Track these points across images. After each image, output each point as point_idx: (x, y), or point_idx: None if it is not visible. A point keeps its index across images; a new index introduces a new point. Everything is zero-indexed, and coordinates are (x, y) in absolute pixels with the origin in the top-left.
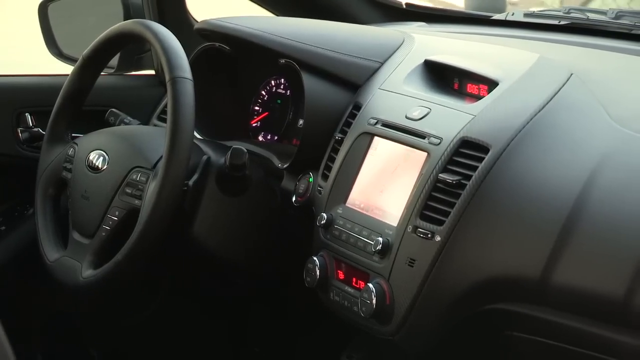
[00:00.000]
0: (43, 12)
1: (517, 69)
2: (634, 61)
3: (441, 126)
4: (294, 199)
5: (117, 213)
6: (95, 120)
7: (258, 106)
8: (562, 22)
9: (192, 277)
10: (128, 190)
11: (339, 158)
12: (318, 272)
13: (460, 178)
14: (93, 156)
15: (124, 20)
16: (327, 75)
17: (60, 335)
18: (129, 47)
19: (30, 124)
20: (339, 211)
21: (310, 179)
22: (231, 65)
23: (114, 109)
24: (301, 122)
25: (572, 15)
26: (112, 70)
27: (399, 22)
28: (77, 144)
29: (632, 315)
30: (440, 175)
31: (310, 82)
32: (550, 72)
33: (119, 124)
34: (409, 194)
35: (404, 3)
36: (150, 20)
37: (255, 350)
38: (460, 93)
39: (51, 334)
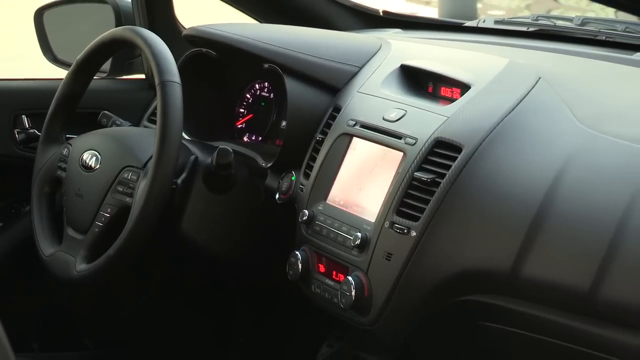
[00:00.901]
0: (38, 19)
1: (488, 73)
2: (598, 65)
3: (416, 127)
4: (277, 196)
5: (109, 210)
6: (88, 121)
7: (243, 108)
8: (531, 29)
9: (181, 271)
10: (120, 189)
11: (320, 157)
12: (300, 266)
13: (434, 176)
14: (86, 156)
15: (116, 27)
16: (308, 79)
17: (56, 326)
18: (120, 53)
19: (27, 126)
20: (320, 208)
21: (293, 178)
22: (217, 70)
23: (106, 111)
24: (284, 123)
25: (540, 22)
26: (105, 75)
27: (376, 28)
28: (71, 145)
29: (597, 306)
30: (415, 173)
31: (292, 86)
32: (519, 76)
33: (111, 126)
34: (386, 191)
35: (381, 10)
36: (141, 27)
37: (241, 339)
38: (435, 96)
39: (47, 325)
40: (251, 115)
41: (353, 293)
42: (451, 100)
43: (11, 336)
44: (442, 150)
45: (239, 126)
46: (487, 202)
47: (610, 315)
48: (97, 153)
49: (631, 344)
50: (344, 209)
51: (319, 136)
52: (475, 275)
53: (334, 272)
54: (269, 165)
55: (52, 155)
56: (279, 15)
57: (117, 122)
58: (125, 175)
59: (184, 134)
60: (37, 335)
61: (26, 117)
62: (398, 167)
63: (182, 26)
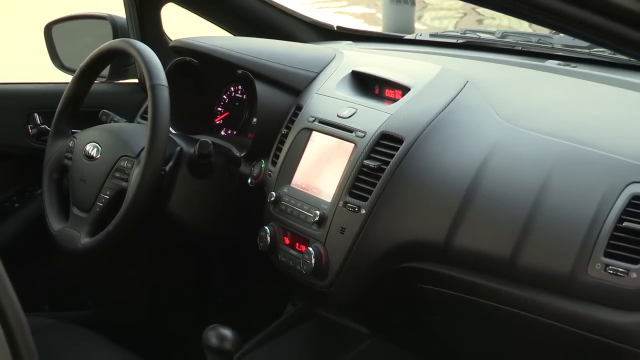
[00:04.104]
0: (48, 32)
1: (424, 78)
2: (516, 71)
3: (365, 123)
4: (249, 180)
5: (108, 193)
6: (90, 118)
7: (220, 107)
8: (460, 41)
9: (168, 244)
10: (117, 175)
11: (285, 148)
12: (269, 239)
13: (380, 164)
14: (89, 147)
15: (113, 39)
16: (275, 82)
17: (63, 290)
18: (117, 61)
19: (39, 122)
20: (285, 190)
21: (262, 165)
22: (199, 75)
23: (105, 110)
24: (255, 120)
25: (467, 35)
26: (104, 79)
27: (331, 40)
28: (76, 138)
29: (516, 271)
30: (364, 161)
31: (261, 88)
32: (450, 80)
33: (109, 122)
34: (340, 176)
35: (335, 26)
36: (134, 39)
37: (220, 300)
38: (380, 97)
39: (55, 289)
40: (227, 113)
41: (313, 261)
42: (394, 100)
43: (24, 299)
44: (386, 142)
45: (217, 122)
46: (424, 185)
47: (527, 278)
48: (97, 145)
49: (541, 302)
50: (305, 191)
51: (284, 130)
52: (414, 246)
53: (297, 244)
54: (242, 154)
55: (60, 147)
56: (250, 29)
57: (114, 119)
58: (122, 164)
59: (170, 129)
60: (48, 297)
61: (38, 115)
62: (350, 156)
63: (169, 38)
